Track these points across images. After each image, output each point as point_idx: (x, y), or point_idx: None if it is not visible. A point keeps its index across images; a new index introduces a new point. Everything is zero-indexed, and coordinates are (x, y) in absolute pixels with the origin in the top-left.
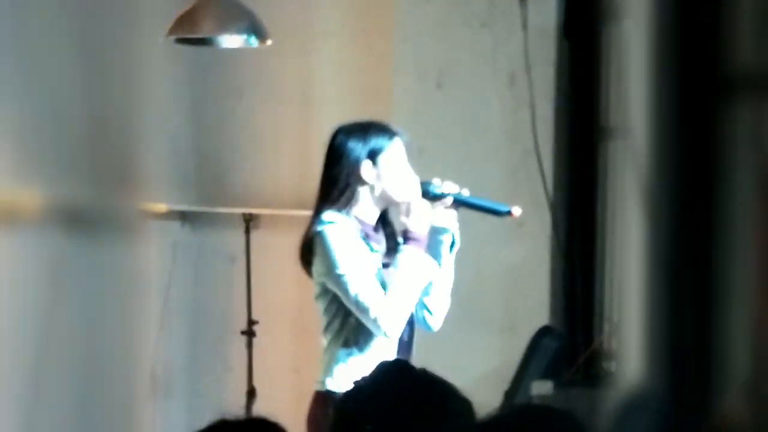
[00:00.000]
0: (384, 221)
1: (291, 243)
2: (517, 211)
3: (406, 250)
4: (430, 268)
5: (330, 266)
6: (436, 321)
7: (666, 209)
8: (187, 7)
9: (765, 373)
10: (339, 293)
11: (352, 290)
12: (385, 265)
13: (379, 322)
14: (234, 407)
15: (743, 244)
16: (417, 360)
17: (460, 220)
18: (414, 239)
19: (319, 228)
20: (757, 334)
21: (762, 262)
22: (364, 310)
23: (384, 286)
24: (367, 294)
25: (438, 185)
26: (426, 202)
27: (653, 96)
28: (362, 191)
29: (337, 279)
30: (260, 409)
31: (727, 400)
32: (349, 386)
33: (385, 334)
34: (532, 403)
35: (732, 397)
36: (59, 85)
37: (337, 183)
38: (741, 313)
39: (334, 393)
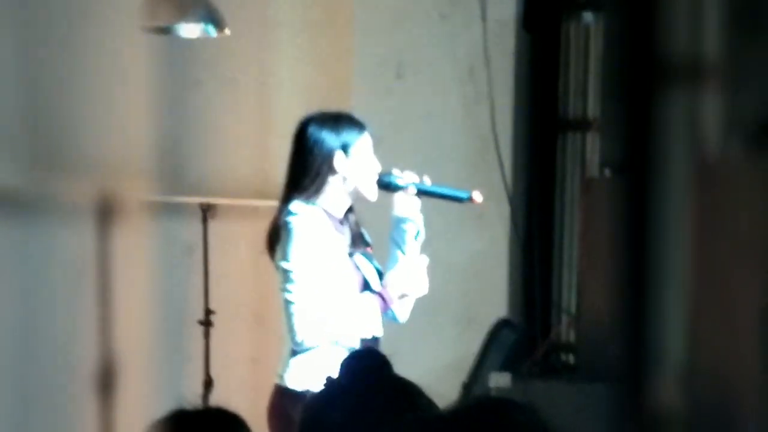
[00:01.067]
0: (349, 214)
1: (248, 233)
2: (478, 196)
3: (373, 300)
4: (369, 324)
5: (283, 256)
6: (403, 312)
7: (609, 193)
8: None
9: (699, 358)
10: (280, 283)
11: (291, 291)
12: (351, 254)
13: (298, 333)
14: (191, 397)
15: (679, 230)
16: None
17: (420, 210)
18: (388, 296)
19: (286, 218)
20: (692, 319)
21: (697, 250)
22: (289, 315)
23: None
24: (300, 302)
25: (398, 176)
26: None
27: (603, 83)
28: (332, 181)
29: (284, 272)
30: (217, 399)
31: (662, 385)
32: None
33: (296, 344)
34: (491, 395)
35: (666, 382)
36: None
37: (308, 172)
38: (676, 298)
39: (291, 389)
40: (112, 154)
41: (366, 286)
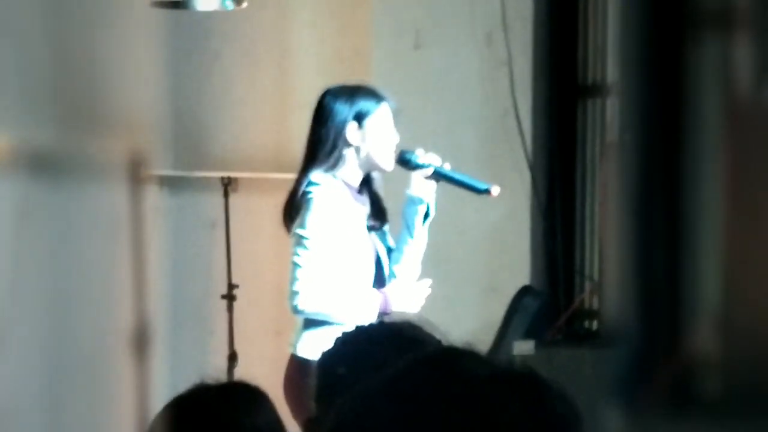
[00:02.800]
0: (369, 184)
1: (270, 206)
2: (495, 190)
3: (377, 296)
4: (365, 315)
5: (300, 224)
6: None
7: (636, 146)
8: None
9: (735, 304)
10: (291, 248)
11: (300, 255)
12: (370, 228)
13: (296, 297)
14: (215, 371)
15: (712, 179)
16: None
17: (441, 184)
18: (387, 303)
19: (306, 188)
20: (728, 266)
21: (730, 196)
22: (293, 279)
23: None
24: (307, 268)
25: (420, 156)
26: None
27: (623, 37)
28: (348, 153)
29: (298, 238)
30: (241, 372)
31: (698, 332)
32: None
33: (291, 307)
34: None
35: (703, 328)
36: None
37: (324, 144)
38: (711, 244)
39: (302, 357)
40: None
41: (378, 263)
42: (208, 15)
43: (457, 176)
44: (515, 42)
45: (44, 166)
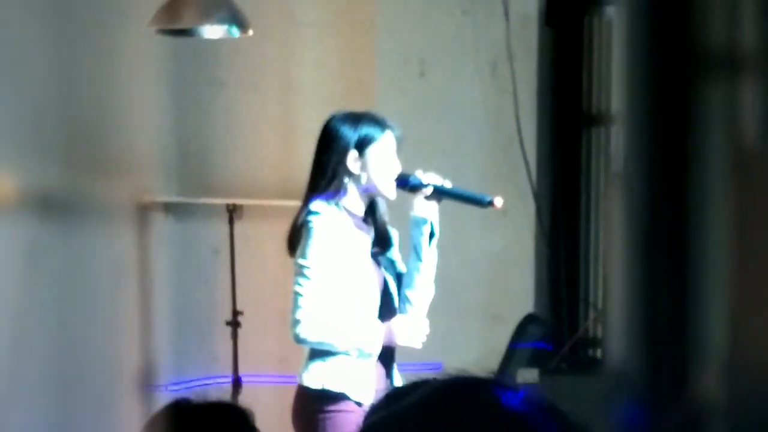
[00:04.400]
0: (373, 210)
1: (274, 233)
2: (498, 201)
3: (381, 328)
4: (368, 346)
5: (300, 254)
6: (419, 312)
7: (641, 188)
8: None
9: (741, 350)
10: (293, 277)
11: (301, 285)
12: (374, 255)
13: (298, 326)
14: (219, 396)
15: (718, 222)
16: (401, 349)
17: (445, 209)
18: (391, 336)
19: (306, 217)
20: (734, 312)
21: (737, 240)
22: (296, 307)
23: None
24: (308, 297)
25: (419, 176)
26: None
27: (628, 76)
28: (349, 181)
29: (298, 267)
30: (246, 398)
31: (704, 377)
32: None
33: (293, 336)
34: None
35: (709, 374)
36: (36, 70)
37: (325, 172)
38: (717, 289)
39: (307, 387)
40: (143, 156)
41: (386, 290)
42: (214, 43)
43: (459, 191)
44: (520, 71)
45: (52, 207)
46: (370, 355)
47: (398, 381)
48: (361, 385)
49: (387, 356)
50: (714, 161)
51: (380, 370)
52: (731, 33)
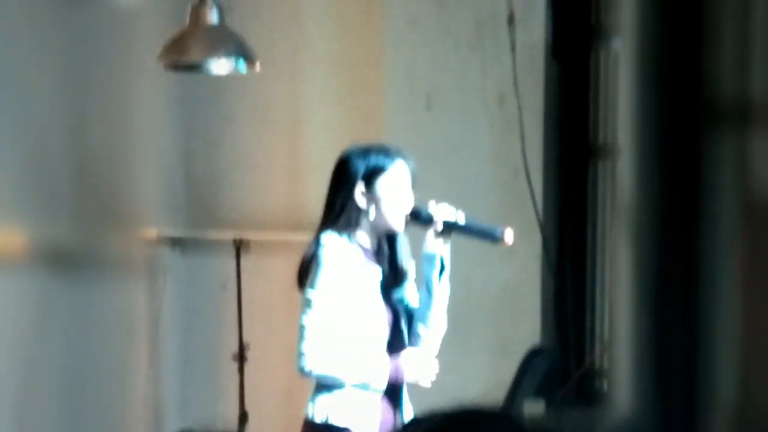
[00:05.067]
0: (391, 243)
1: (282, 267)
2: (509, 236)
3: (388, 363)
4: (375, 380)
5: (309, 285)
6: (430, 349)
7: (651, 236)
8: (175, 33)
9: (751, 400)
10: (300, 309)
11: (308, 317)
12: (385, 290)
13: (303, 359)
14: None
15: (728, 273)
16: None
17: (451, 240)
18: (398, 371)
19: (317, 250)
20: (744, 360)
21: (746, 291)
22: (301, 339)
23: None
24: (314, 330)
25: (431, 209)
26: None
27: (637, 123)
28: (358, 215)
29: (306, 299)
30: None
31: (714, 428)
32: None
33: (298, 369)
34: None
35: (719, 425)
36: (45, 119)
37: (333, 206)
38: (727, 339)
39: (313, 421)
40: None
41: (396, 324)
42: (222, 79)
43: (469, 226)
44: (526, 104)
45: (61, 257)
46: (377, 390)
47: (408, 413)
48: (366, 419)
49: (395, 389)
50: (723, 212)
51: (387, 403)
52: (742, 83)
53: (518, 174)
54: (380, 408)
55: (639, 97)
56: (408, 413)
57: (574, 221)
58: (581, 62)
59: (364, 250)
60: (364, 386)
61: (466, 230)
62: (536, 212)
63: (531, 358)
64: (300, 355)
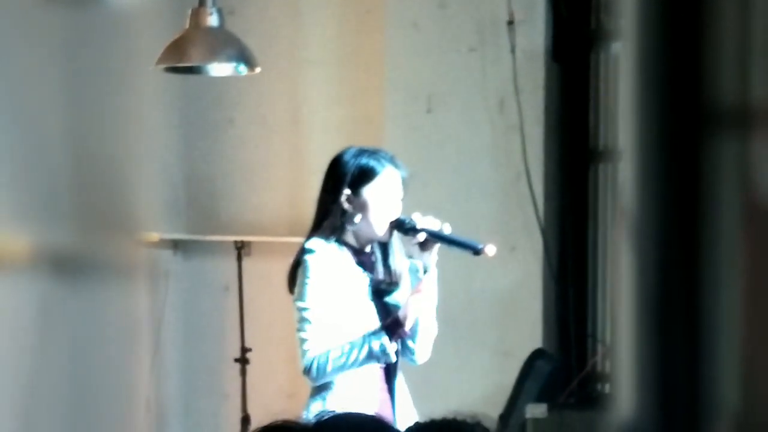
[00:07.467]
0: (385, 248)
1: (283, 270)
2: (491, 249)
3: (381, 338)
4: (382, 358)
5: (298, 295)
6: (421, 355)
7: (651, 241)
8: (175, 36)
9: (755, 407)
10: (295, 322)
11: (305, 330)
12: (377, 293)
13: (311, 372)
14: None
15: (730, 277)
16: (410, 385)
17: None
18: (398, 333)
19: (302, 256)
20: (747, 365)
21: (749, 296)
22: (303, 352)
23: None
24: (312, 340)
25: (416, 220)
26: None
27: (638, 126)
28: (344, 219)
29: (298, 311)
30: None
31: (718, 431)
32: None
33: (309, 381)
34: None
35: (722, 427)
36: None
37: (319, 211)
38: (730, 344)
39: None
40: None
41: None
42: (222, 81)
43: (452, 237)
44: (527, 107)
45: (63, 262)
46: (389, 357)
47: (402, 422)
48: None
49: (389, 396)
50: (725, 215)
51: (381, 411)
52: (743, 86)
53: (519, 177)
54: (375, 411)
55: (639, 100)
56: (402, 422)
57: (575, 224)
58: (581, 65)
59: (355, 253)
60: (376, 356)
61: (449, 240)
62: (537, 215)
63: (533, 361)
64: (307, 370)
